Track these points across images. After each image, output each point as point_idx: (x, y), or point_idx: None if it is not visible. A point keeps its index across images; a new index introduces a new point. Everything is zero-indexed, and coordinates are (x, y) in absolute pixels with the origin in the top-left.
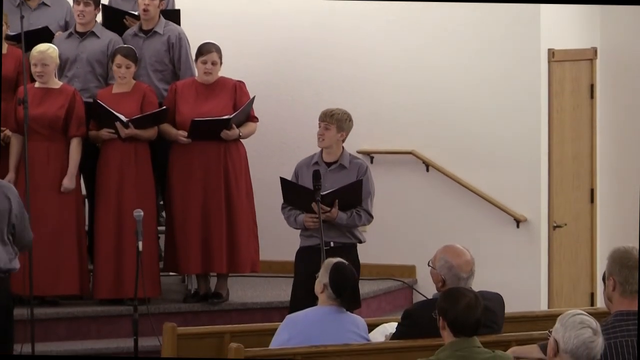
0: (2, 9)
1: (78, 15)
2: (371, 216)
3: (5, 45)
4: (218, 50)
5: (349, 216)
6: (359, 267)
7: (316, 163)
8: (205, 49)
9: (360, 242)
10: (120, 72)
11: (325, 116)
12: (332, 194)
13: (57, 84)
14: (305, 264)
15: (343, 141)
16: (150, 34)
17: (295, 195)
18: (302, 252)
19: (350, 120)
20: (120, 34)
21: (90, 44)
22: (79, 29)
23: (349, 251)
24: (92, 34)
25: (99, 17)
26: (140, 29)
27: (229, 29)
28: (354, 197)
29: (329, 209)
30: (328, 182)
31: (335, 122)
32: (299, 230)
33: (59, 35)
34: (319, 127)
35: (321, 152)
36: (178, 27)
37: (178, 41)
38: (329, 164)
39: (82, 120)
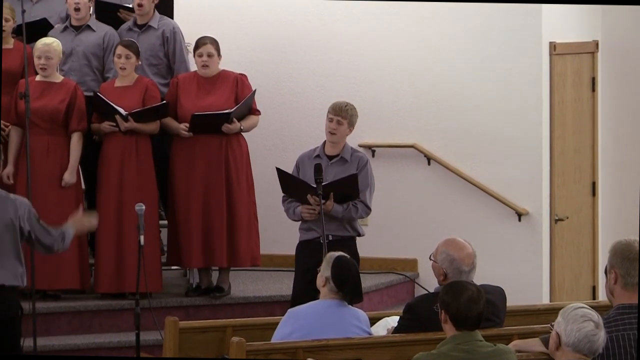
0: (2, 6)
1: (75, 9)
2: (369, 208)
3: (11, 40)
4: (213, 42)
5: (344, 208)
6: (359, 260)
7: (318, 156)
8: (201, 42)
9: (360, 235)
10: (120, 62)
11: (341, 110)
12: (327, 187)
13: (58, 77)
14: (305, 258)
15: (348, 135)
16: (144, 28)
17: (291, 186)
18: (301, 246)
19: (357, 115)
20: (115, 27)
21: (86, 37)
22: (74, 22)
23: (348, 244)
24: (88, 27)
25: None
26: (135, 24)
27: (229, 21)
28: (350, 190)
29: (323, 201)
30: (329, 175)
31: (349, 117)
32: (299, 224)
33: (54, 29)
34: (331, 121)
35: (323, 145)
36: (172, 21)
37: (172, 35)
38: (330, 157)
39: (83, 115)
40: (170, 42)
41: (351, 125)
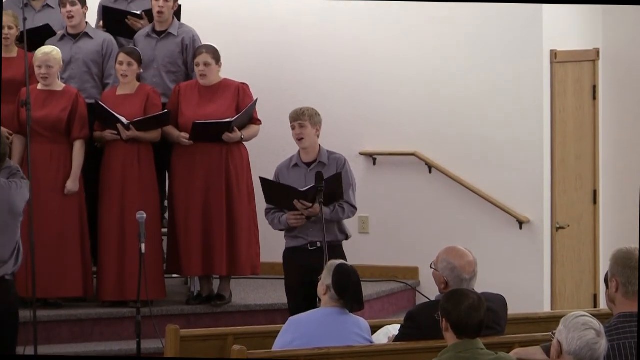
0: (1, 12)
1: (68, 18)
2: (355, 208)
3: (15, 49)
4: (210, 51)
5: (331, 210)
6: None
7: (296, 165)
8: (198, 52)
9: (348, 237)
10: (121, 69)
11: (297, 115)
12: (313, 189)
13: (59, 86)
14: (294, 266)
15: (317, 137)
16: (164, 35)
17: (277, 194)
18: (289, 254)
19: (319, 114)
20: (123, 34)
21: (85, 44)
22: (71, 31)
23: (337, 250)
24: (85, 34)
25: (91, 17)
26: (154, 30)
27: (231, 31)
28: (335, 190)
29: (310, 204)
30: (312, 181)
31: (308, 118)
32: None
33: (52, 38)
34: (293, 128)
35: (299, 153)
36: (192, 29)
37: (192, 43)
38: (308, 164)
39: (85, 122)
40: (190, 50)
41: (315, 125)
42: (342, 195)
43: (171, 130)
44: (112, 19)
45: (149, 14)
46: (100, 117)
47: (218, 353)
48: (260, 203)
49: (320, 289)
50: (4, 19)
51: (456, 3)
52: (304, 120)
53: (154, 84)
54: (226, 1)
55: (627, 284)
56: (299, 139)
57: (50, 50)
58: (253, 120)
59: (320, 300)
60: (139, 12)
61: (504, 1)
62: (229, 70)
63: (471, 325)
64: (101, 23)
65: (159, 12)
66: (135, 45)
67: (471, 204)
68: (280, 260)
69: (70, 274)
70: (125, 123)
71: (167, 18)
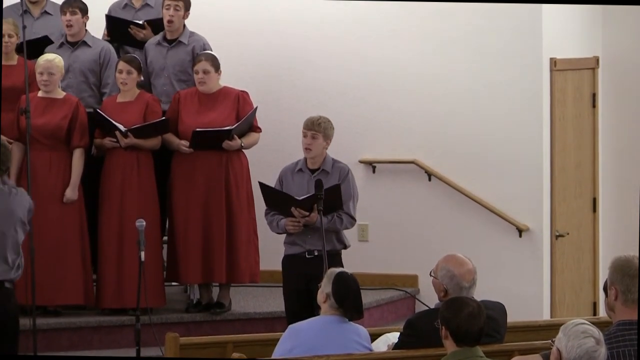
0: (1, 17)
1: (67, 26)
2: (354, 219)
3: (15, 56)
4: (209, 58)
5: (329, 220)
6: None
7: (300, 170)
8: (197, 59)
9: (346, 247)
10: (121, 77)
11: (313, 125)
12: (311, 198)
13: (60, 93)
14: (291, 274)
15: (326, 149)
16: (174, 43)
17: (275, 200)
18: (287, 261)
19: (333, 127)
20: (130, 44)
21: (83, 53)
22: (70, 39)
23: (334, 259)
24: (84, 43)
25: (90, 26)
26: (164, 38)
27: (230, 38)
28: (333, 200)
29: (307, 213)
30: (313, 189)
31: (322, 130)
32: (284, 238)
33: (51, 46)
34: (305, 136)
35: (305, 158)
36: (203, 38)
37: (202, 51)
38: (313, 171)
39: (86, 131)
40: None
41: (327, 138)
42: (342, 205)
43: (171, 137)
44: (116, 28)
45: (152, 23)
46: (99, 124)
47: None
48: (260, 211)
49: (320, 297)
50: (4, 26)
51: (456, 4)
52: (318, 131)
53: (164, 92)
54: (227, 7)
55: (626, 292)
56: (307, 149)
57: (52, 58)
58: (253, 127)
59: (319, 308)
60: (141, 22)
61: (504, 1)
62: (229, 75)
63: (471, 333)
64: (106, 32)
65: (169, 21)
66: (145, 54)
67: (471, 212)
68: (279, 268)
69: (70, 281)
70: (123, 130)
71: (178, 27)
